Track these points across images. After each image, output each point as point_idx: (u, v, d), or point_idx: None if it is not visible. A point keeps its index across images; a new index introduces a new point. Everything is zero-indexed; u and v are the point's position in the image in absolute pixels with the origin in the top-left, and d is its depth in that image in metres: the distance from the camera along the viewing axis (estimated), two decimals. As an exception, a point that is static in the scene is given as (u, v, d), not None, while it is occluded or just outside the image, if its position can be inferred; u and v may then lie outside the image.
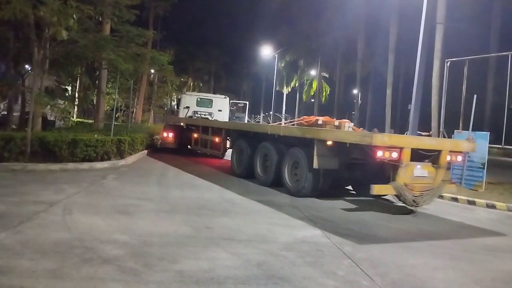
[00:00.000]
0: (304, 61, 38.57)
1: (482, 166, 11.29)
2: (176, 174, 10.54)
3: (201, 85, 58.55)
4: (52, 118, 16.80)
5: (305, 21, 33.16)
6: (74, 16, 9.70)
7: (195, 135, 14.48)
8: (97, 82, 17.76)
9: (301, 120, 11.54)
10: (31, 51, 10.38)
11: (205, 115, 16.54)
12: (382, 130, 25.53)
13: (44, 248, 4.17)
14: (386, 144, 7.04)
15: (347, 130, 9.61)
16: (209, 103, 16.83)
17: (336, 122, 10.23)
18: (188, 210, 6.50)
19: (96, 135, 11.10)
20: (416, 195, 7.38)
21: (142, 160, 12.94)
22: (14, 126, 12.41)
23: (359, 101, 29.95)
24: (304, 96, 41.29)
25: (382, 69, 28.54)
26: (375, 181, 7.38)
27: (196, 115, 16.53)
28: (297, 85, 41.31)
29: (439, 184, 7.76)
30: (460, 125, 13.36)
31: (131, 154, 12.40)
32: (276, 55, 36.46)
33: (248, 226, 5.81)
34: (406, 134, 14.55)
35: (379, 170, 7.65)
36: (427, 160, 7.54)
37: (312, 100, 43.67)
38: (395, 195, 7.60)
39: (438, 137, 14.99)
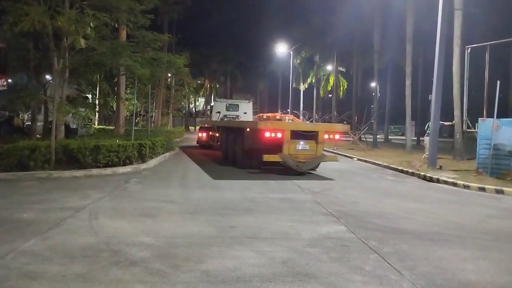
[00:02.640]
0: (320, 57, 38.26)
1: (509, 154, 10.97)
2: (197, 176, 10.60)
3: (217, 86, 58.85)
4: (74, 126, 17.16)
5: (320, 15, 32.90)
6: (91, 24, 9.89)
7: (217, 134, 16.78)
8: (116, 88, 18.05)
9: (257, 116, 15.87)
10: (51, 61, 10.61)
11: (232, 117, 18.73)
12: (403, 122, 25.02)
13: (72, 253, 4.26)
14: (270, 128, 10.76)
15: (287, 122, 12.89)
16: (236, 107, 19.28)
17: (278, 116, 14.07)
18: (211, 210, 6.53)
19: (117, 141, 11.28)
20: (301, 161, 10.81)
21: (163, 163, 13.08)
22: (38, 136, 12.72)
23: (378, 94, 29.44)
24: (321, 92, 40.98)
25: (400, 60, 27.99)
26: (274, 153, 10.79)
27: (226, 118, 18.73)
28: (313, 81, 41.03)
29: (321, 154, 11.28)
30: (484, 112, 13.00)
31: (152, 158, 12.57)
32: (291, 52, 36.34)
33: (271, 224, 5.79)
34: (428, 124, 14.26)
35: (276, 145, 10.83)
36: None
37: (330, 96, 43.31)
38: (281, 162, 10.84)
39: (462, 126, 14.65)
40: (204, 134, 19.38)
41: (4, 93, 10.98)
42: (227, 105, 19.48)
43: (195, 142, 21.81)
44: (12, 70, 12.42)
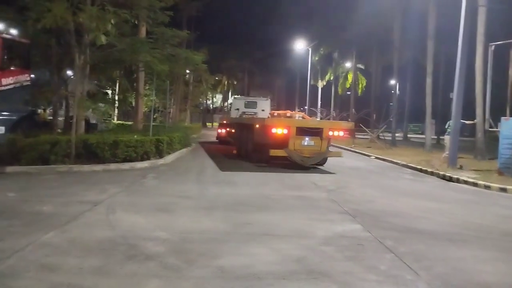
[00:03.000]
0: (339, 53, 37.91)
1: (532, 154, 10.66)
2: (213, 172, 10.66)
3: (235, 82, 58.98)
4: (94, 121, 17.45)
5: (339, 12, 32.51)
6: (112, 21, 10.00)
7: (233, 130, 17.58)
8: (135, 84, 18.26)
9: (271, 112, 16.45)
10: (72, 57, 10.79)
11: (251, 114, 19.03)
12: (422, 120, 24.61)
13: (90, 246, 4.34)
14: (277, 124, 11.55)
15: (296, 119, 14.05)
16: (254, 104, 19.62)
17: (288, 113, 14.96)
18: (227, 207, 6.56)
19: (135, 136, 11.43)
20: (306, 156, 11.47)
21: (180, 159, 13.19)
22: (59, 130, 12.99)
23: (397, 92, 28.99)
24: (339, 89, 40.61)
25: (420, 58, 27.49)
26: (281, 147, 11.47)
27: (244, 115, 18.87)
28: (332, 78, 40.69)
29: (325, 150, 11.93)
30: (507, 111, 12.69)
31: (169, 153, 12.67)
32: (310, 49, 36.06)
33: (286, 221, 5.78)
34: (449, 123, 13.99)
35: (283, 140, 11.44)
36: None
37: (348, 93, 42.88)
38: (287, 156, 11.48)
39: (484, 125, 14.34)
40: (223, 130, 20.11)
41: (27, 88, 11.22)
42: (246, 102, 19.94)
43: (214, 138, 22.86)
44: (35, 65, 12.68)
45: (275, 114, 15.32)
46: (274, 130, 11.34)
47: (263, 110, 19.27)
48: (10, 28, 12.15)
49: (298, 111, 15.67)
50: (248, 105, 19.58)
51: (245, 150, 14.10)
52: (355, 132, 26.88)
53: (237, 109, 19.38)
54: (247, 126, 13.98)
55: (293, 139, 11.40)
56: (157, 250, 4.32)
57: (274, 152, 11.52)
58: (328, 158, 12.56)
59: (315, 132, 11.63)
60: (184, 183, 8.64)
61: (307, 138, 11.56)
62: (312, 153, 11.61)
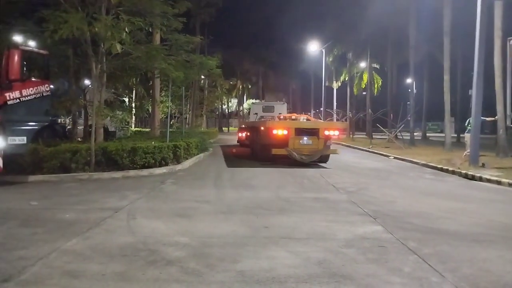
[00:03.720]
0: (353, 54, 37.57)
1: (558, 150, 10.35)
2: (231, 176, 10.67)
3: (249, 86, 59.14)
4: (112, 129, 17.70)
5: (352, 11, 32.28)
6: (126, 29, 10.16)
7: (248, 133, 18.53)
8: (151, 91, 18.48)
9: (278, 116, 17.16)
10: (89, 67, 10.99)
11: (269, 118, 19.51)
12: (441, 118, 24.17)
13: (111, 252, 4.38)
14: (277, 126, 12.70)
15: (302, 121, 14.35)
16: (271, 108, 20.27)
17: (294, 116, 15.56)
18: (245, 210, 6.54)
19: (153, 142, 11.54)
20: (304, 154, 12.58)
21: (197, 164, 13.26)
22: (79, 139, 13.21)
23: (414, 90, 28.58)
24: (355, 90, 40.24)
25: (437, 55, 27.05)
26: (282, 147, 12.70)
27: (262, 119, 19.32)
28: (346, 79, 40.34)
29: (322, 148, 12.85)
30: (529, 107, 12.36)
31: (187, 159, 12.76)
32: (324, 50, 35.91)
33: (306, 224, 5.73)
34: (469, 120, 13.71)
35: (283, 140, 12.62)
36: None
37: (364, 93, 42.47)
38: (287, 154, 12.59)
39: (505, 122, 14.01)
40: (243, 134, 20.77)
41: (47, 99, 11.46)
42: (263, 107, 20.74)
43: (230, 142, 24.41)
44: (53, 76, 12.94)
45: (281, 117, 15.97)
46: (275, 132, 12.59)
47: (280, 114, 19.48)
48: (29, 40, 12.44)
49: (304, 114, 17.21)
50: (265, 109, 20.22)
51: (255, 150, 15.26)
52: (356, 131, 26.42)
53: (256, 113, 20.00)
54: (256, 129, 15.13)
55: (293, 139, 12.58)
56: (177, 255, 4.33)
57: (276, 151, 12.71)
58: (348, 160, 13.95)
59: (312, 132, 12.78)
60: (202, 188, 8.67)
61: (305, 138, 12.70)
62: (310, 151, 12.72)
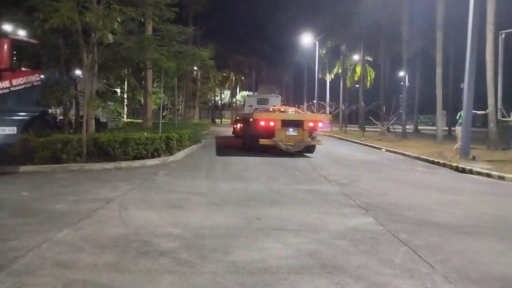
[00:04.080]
0: (346, 46, 37.58)
1: (547, 144, 10.49)
2: (223, 168, 10.66)
3: (243, 78, 58.97)
4: (104, 120, 17.55)
5: (345, 4, 32.23)
6: (118, 19, 10.02)
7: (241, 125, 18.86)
8: (143, 82, 18.32)
9: (267, 108, 17.89)
10: (80, 57, 10.84)
11: (263, 110, 20.03)
12: (433, 111, 24.30)
13: (103, 243, 4.36)
14: (264, 118, 13.40)
15: (289, 113, 14.59)
16: (266, 101, 20.60)
17: (282, 109, 15.88)
18: (238, 202, 6.55)
19: (145, 134, 11.47)
20: (290, 144, 13.24)
21: (190, 155, 13.23)
22: (70, 130, 13.08)
23: (407, 83, 28.71)
24: (348, 82, 40.33)
25: (430, 48, 27.16)
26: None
27: (257, 111, 19.61)
28: (340, 71, 40.40)
29: (307, 139, 13.50)
30: (520, 100, 12.47)
31: (179, 150, 12.72)
32: (317, 42, 35.85)
33: (297, 216, 5.75)
34: (460, 114, 13.82)
35: (270, 131, 13.35)
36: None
37: (357, 86, 42.57)
38: (274, 144, 13.26)
39: (496, 115, 14.14)
40: (238, 126, 21.01)
41: (37, 89, 11.31)
42: (258, 99, 21.06)
43: (224, 134, 24.83)
44: (44, 66, 12.76)
45: (271, 109, 16.55)
46: (262, 123, 13.33)
47: (274, 106, 19.63)
48: (19, 29, 12.24)
49: (292, 107, 17.84)
50: (260, 101, 20.54)
51: (245, 141, 15.85)
52: (356, 124, 26.56)
53: (250, 105, 20.32)
54: (246, 121, 15.69)
55: (279, 130, 13.30)
56: (170, 246, 4.32)
57: (263, 141, 13.44)
58: (340, 152, 14.57)
59: (297, 124, 13.46)
60: (194, 179, 8.65)
61: (290, 129, 13.42)
62: (295, 142, 13.40)
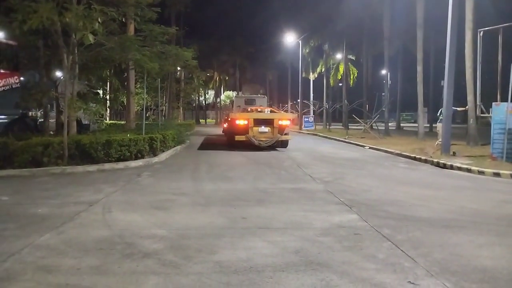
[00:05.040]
0: (329, 45, 37.84)
1: (524, 138, 10.76)
2: (208, 168, 10.64)
3: (227, 78, 58.76)
4: (86, 122, 17.32)
5: (328, 3, 32.44)
6: (99, 20, 9.89)
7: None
8: (125, 83, 18.13)
9: (245, 108, 19.11)
10: (61, 58, 10.67)
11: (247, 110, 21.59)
12: (415, 109, 24.67)
13: (86, 246, 4.31)
14: (239, 117, 15.27)
15: (266, 113, 16.78)
16: (253, 101, 21.59)
17: (259, 109, 17.59)
18: (223, 202, 6.55)
19: (128, 135, 11.36)
20: (262, 139, 15.01)
21: (174, 156, 13.15)
22: (51, 132, 12.87)
23: (389, 81, 29.08)
24: (331, 81, 40.63)
25: (411, 47, 27.54)
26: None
27: (235, 111, 21.09)
28: (323, 70, 40.66)
29: (276, 135, 15.15)
30: (498, 97, 12.77)
31: (163, 151, 12.64)
32: (300, 41, 35.99)
33: (283, 214, 5.78)
34: (441, 111, 14.07)
35: (244, 129, 15.08)
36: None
37: (340, 84, 42.91)
38: (247, 140, 14.95)
39: (476, 111, 14.44)
40: (226, 125, 22.01)
41: (17, 91, 11.09)
42: (246, 100, 22.09)
43: (213, 134, 26.27)
44: (23, 67, 12.52)
45: (249, 109, 17.87)
46: (237, 122, 15.17)
47: (261, 106, 20.65)
48: (-4, 31, 11.99)
49: (269, 107, 19.57)
50: (248, 102, 21.45)
51: (228, 138, 17.50)
52: (342, 122, 26.75)
53: (239, 106, 21.16)
54: (226, 119, 17.75)
55: (252, 127, 14.97)
56: (154, 247, 4.30)
57: (238, 138, 15.16)
58: (325, 150, 15.61)
59: (268, 122, 15.27)
60: (179, 180, 8.61)
61: (262, 127, 15.17)
62: (266, 138, 15.14)
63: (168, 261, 3.92)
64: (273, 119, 15.28)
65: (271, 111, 17.52)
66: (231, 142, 16.10)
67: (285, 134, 15.66)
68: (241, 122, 15.06)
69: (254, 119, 15.10)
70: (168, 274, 3.61)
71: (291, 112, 27.71)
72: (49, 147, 9.60)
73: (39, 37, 11.88)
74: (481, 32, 13.28)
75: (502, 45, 12.91)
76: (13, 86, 10.84)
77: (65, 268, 3.71)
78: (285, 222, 5.40)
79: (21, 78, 11.90)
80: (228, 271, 3.69)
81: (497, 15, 20.99)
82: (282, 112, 20.58)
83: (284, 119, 15.64)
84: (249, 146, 15.35)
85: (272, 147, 15.73)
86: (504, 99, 11.65)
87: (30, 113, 13.15)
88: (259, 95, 27.81)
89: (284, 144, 16.02)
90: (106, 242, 4.45)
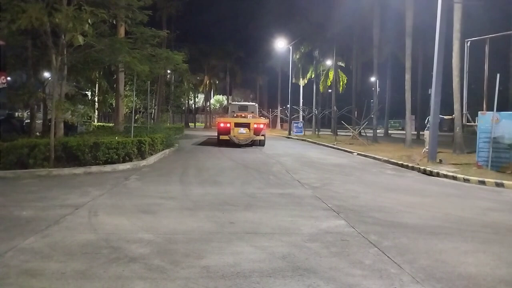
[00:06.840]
0: (319, 52, 38.12)
1: (509, 147, 10.97)
2: (196, 172, 10.60)
3: (217, 82, 58.68)
4: (74, 124, 17.14)
5: (319, 10, 32.75)
6: (89, 21, 9.83)
7: None
8: (115, 85, 18.01)
9: (231, 114, 22.60)
10: (49, 59, 10.57)
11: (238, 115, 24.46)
12: (402, 116, 24.93)
13: (72, 250, 4.25)
14: (223, 121, 19.74)
15: (243, 117, 20.34)
16: (246, 108, 24.04)
17: (243, 115, 21.06)
18: (211, 206, 6.53)
19: (117, 138, 11.27)
20: (241, 139, 18.83)
21: (162, 160, 13.07)
22: (38, 134, 12.70)
23: (377, 89, 29.39)
24: (321, 87, 40.85)
25: (399, 55, 27.93)
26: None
27: (223, 117, 25.01)
28: (313, 76, 40.90)
29: (252, 136, 18.98)
30: (484, 106, 12.98)
31: (151, 154, 12.57)
32: (291, 47, 36.17)
33: (271, 219, 5.79)
34: (428, 118, 14.25)
35: (228, 131, 19.20)
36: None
37: (330, 91, 43.18)
38: (229, 139, 18.72)
39: (462, 120, 14.66)
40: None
41: (3, 91, 10.93)
42: (239, 106, 24.56)
43: (202, 138, 27.04)
44: (10, 68, 12.35)
45: (235, 115, 21.26)
46: (222, 125, 19.41)
47: (252, 112, 23.10)
48: (-17, 30, 11.80)
49: (252, 114, 22.28)
50: (241, 108, 23.94)
51: (218, 138, 20.20)
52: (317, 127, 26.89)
53: (233, 111, 23.32)
54: (216, 124, 21.55)
55: (233, 129, 18.91)
56: (141, 252, 4.26)
57: (222, 137, 19.13)
58: (313, 156, 16.14)
59: (246, 125, 19.18)
60: (167, 184, 8.56)
61: (241, 129, 19.05)
62: (244, 137, 18.96)
63: (155, 265, 3.90)
64: (250, 123, 19.28)
65: (251, 117, 20.89)
66: (218, 141, 19.75)
67: (262, 135, 19.53)
68: (224, 125, 19.15)
69: (235, 122, 19.15)
70: (154, 279, 3.58)
71: (264, 118, 31.44)
72: (35, 148, 9.47)
73: (28, 37, 11.76)
74: (468, 42, 13.52)
75: (489, 55, 13.14)
76: (0, 87, 10.65)
77: (49, 272, 3.66)
78: (273, 227, 5.40)
79: (8, 78, 11.72)
80: (215, 276, 3.68)
81: (484, 25, 21.43)
82: (258, 117, 22.69)
83: (259, 123, 19.61)
84: (238, 150, 17.26)
85: (263, 152, 16.68)
86: (490, 108, 11.86)
87: (16, 114, 12.95)
88: (250, 102, 31.50)
89: (261, 143, 20.08)
90: (92, 246, 4.40)
